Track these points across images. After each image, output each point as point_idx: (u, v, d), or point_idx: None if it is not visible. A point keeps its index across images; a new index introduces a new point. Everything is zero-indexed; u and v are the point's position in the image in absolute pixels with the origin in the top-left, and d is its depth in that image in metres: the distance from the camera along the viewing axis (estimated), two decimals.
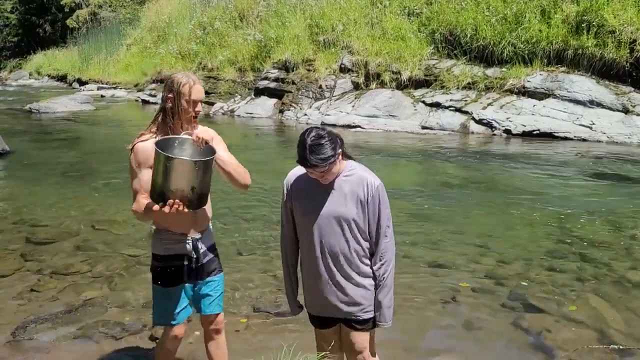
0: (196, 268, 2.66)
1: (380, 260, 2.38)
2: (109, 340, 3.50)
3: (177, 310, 2.65)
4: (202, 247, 2.67)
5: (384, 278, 2.39)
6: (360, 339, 2.46)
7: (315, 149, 2.16)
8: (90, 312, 3.86)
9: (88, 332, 3.57)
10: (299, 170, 2.40)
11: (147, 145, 2.48)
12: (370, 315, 2.43)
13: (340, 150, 2.26)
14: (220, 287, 2.79)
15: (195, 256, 2.63)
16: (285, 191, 2.45)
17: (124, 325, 3.67)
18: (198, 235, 2.65)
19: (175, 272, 2.61)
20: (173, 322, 2.66)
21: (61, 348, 3.41)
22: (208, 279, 2.72)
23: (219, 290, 2.78)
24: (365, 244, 2.38)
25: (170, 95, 2.48)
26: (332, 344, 2.53)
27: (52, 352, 3.36)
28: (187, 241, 2.60)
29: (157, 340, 3.28)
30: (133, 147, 2.54)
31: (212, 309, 2.76)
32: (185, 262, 2.61)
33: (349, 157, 2.39)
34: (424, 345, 3.42)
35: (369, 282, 2.40)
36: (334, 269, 2.36)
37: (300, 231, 2.43)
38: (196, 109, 2.50)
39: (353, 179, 2.33)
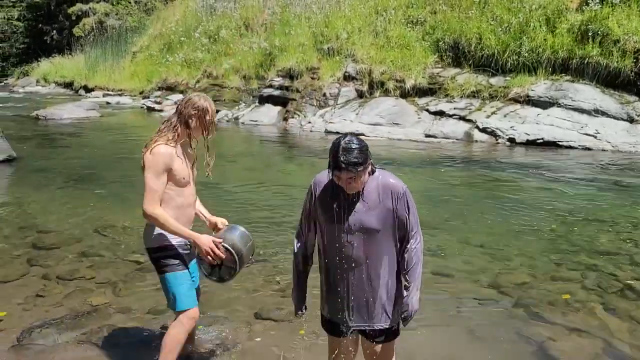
0: (190, 255, 3.04)
1: (410, 264, 2.35)
2: (113, 346, 3.51)
3: (193, 291, 3.01)
4: None
5: (414, 280, 2.36)
6: (385, 348, 2.45)
7: (349, 151, 2.15)
8: (95, 318, 3.88)
9: (92, 338, 3.59)
10: (325, 176, 2.36)
11: (170, 150, 2.83)
12: (391, 325, 2.42)
13: (371, 160, 2.24)
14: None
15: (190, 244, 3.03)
16: (310, 195, 2.42)
17: (128, 331, 3.68)
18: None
19: (183, 257, 2.99)
20: (195, 304, 2.99)
21: (66, 353, 3.42)
22: (194, 263, 3.09)
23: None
24: (391, 255, 2.35)
25: (194, 112, 2.88)
26: (345, 351, 2.51)
27: (57, 357, 3.38)
28: None
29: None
30: (153, 149, 2.82)
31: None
32: (186, 251, 3.01)
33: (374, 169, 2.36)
34: (427, 355, 3.42)
35: (391, 293, 2.39)
36: (356, 280, 2.34)
37: (322, 238, 2.41)
38: (210, 128, 2.98)
39: (379, 188, 2.30)
